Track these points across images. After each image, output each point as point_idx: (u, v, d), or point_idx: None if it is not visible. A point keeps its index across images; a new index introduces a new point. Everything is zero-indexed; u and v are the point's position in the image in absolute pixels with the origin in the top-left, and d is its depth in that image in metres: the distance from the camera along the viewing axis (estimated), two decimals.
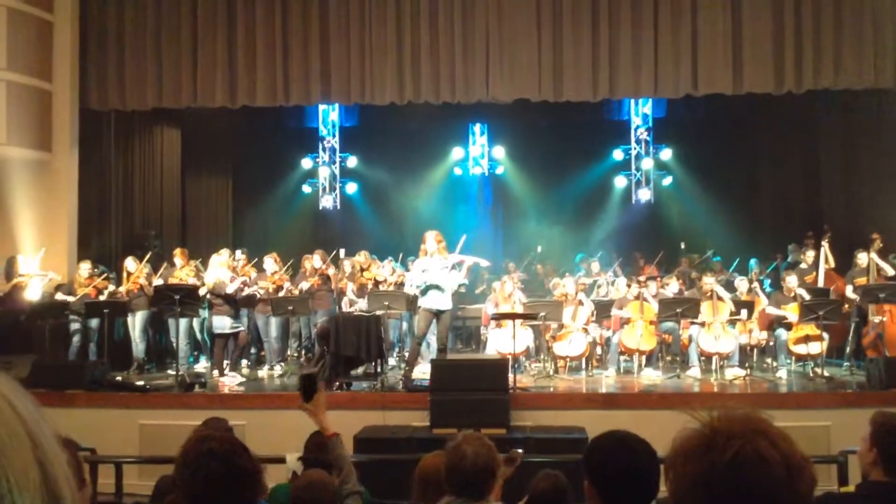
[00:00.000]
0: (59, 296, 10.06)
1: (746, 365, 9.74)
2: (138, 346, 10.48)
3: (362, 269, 10.98)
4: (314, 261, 11.01)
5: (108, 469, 6.15)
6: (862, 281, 9.88)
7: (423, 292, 8.94)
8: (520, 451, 3.72)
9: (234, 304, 10.06)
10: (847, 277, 10.24)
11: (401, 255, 12.43)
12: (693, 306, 9.60)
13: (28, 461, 0.77)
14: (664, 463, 1.26)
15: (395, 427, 7.81)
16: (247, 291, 10.25)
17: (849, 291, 10.03)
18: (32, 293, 10.03)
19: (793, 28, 10.39)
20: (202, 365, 10.85)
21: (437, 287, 8.84)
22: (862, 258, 10.03)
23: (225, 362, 9.97)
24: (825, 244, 10.49)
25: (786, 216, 14.18)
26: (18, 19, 10.39)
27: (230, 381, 9.53)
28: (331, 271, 11.00)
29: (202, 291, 9.95)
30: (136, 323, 10.41)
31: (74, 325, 10.10)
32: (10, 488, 0.74)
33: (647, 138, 16.02)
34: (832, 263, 10.57)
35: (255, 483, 2.33)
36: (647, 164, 15.94)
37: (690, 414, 1.23)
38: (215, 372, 9.97)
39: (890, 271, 9.85)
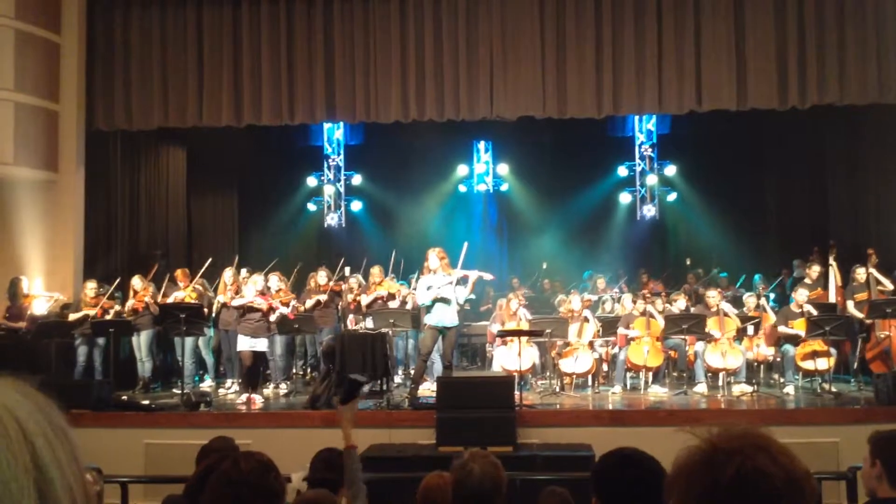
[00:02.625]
0: (73, 315, 10.09)
1: (753, 381, 9.70)
2: (145, 365, 10.47)
3: (376, 284, 10.97)
4: (319, 277, 11.03)
5: (114, 489, 6.13)
6: (862, 296, 9.84)
7: (429, 309, 8.94)
8: None
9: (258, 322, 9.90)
10: (846, 293, 10.19)
11: (401, 269, 12.44)
12: (699, 322, 9.58)
13: (25, 488, 0.80)
14: (666, 482, 1.26)
15: (401, 445, 7.78)
16: (277, 314, 10.12)
17: (850, 307, 9.97)
18: (37, 311, 10.05)
19: (796, 44, 10.42)
20: (207, 384, 10.84)
21: (444, 302, 8.83)
22: (861, 274, 9.99)
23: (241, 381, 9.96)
24: (832, 260, 10.46)
25: (792, 231, 14.16)
26: (26, 41, 10.48)
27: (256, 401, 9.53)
28: (343, 287, 11.01)
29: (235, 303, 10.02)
30: (141, 342, 10.40)
31: (80, 344, 10.11)
32: None
33: (652, 154, 16.04)
34: (839, 280, 10.54)
35: (282, 502, 2.38)
36: (652, 180, 15.96)
37: (690, 432, 1.23)
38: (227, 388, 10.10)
39: (889, 286, 9.81)
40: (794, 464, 1.17)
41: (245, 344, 9.73)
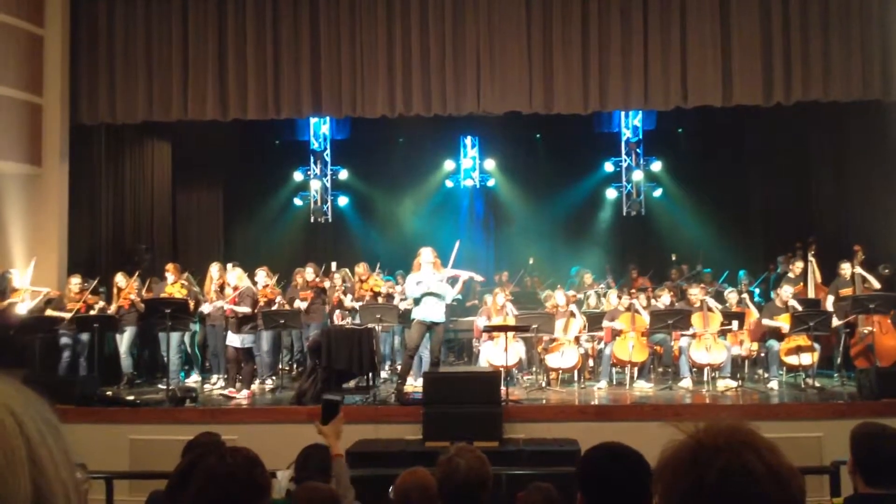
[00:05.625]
0: (50, 311, 10.02)
1: (738, 376, 9.76)
2: (125, 361, 10.42)
3: (361, 280, 10.96)
4: (307, 274, 10.99)
5: (99, 484, 6.10)
6: (847, 292, 9.92)
7: (417, 302, 8.96)
8: None
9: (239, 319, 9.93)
10: (831, 288, 10.27)
11: (390, 269, 12.43)
12: (684, 318, 9.62)
13: (21, 480, 0.81)
14: (653, 477, 1.26)
15: (388, 441, 7.78)
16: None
17: (829, 303, 10.04)
18: (22, 307, 9.98)
19: (781, 41, 10.47)
20: (193, 379, 10.80)
21: (433, 296, 8.85)
22: (846, 269, 10.06)
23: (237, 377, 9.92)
24: (811, 256, 10.54)
25: (776, 227, 14.25)
26: (9, 33, 10.38)
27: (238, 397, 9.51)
28: (326, 284, 10.98)
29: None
30: (123, 339, 10.35)
31: (64, 340, 10.04)
32: None
33: (638, 150, 16.07)
34: (818, 276, 10.62)
35: (268, 496, 2.37)
36: (638, 176, 15.99)
37: (676, 426, 1.23)
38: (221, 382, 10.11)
39: (876, 283, 9.88)
40: (780, 460, 1.16)
41: (233, 340, 9.81)
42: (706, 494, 1.14)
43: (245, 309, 9.75)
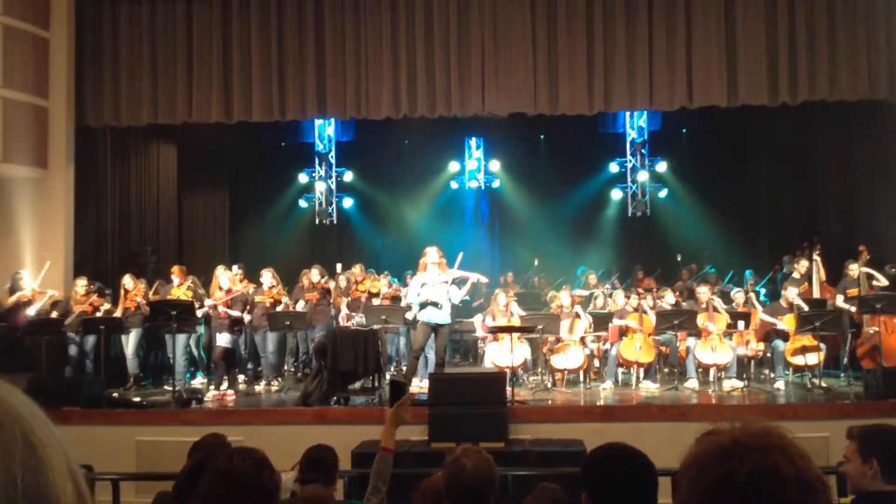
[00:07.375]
0: (55, 313, 10.05)
1: (744, 376, 9.73)
2: (131, 363, 10.44)
3: (357, 283, 10.98)
4: (312, 275, 11.00)
5: (106, 486, 6.12)
6: (854, 292, 9.90)
7: (422, 306, 8.97)
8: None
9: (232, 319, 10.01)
10: (839, 288, 10.25)
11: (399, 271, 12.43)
12: (690, 318, 9.60)
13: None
14: (678, 470, 1.25)
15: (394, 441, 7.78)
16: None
17: (839, 301, 10.03)
18: (30, 309, 10.00)
19: (787, 40, 10.45)
20: (199, 381, 10.82)
21: (436, 302, 8.88)
22: (853, 269, 10.04)
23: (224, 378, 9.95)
24: (817, 255, 10.52)
25: (781, 227, 14.22)
26: (15, 36, 10.42)
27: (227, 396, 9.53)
28: (332, 286, 10.99)
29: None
30: (129, 341, 10.36)
31: (71, 342, 10.07)
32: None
33: (643, 151, 16.05)
34: (823, 275, 10.59)
35: (276, 499, 2.37)
36: (643, 176, 15.97)
37: (712, 424, 1.23)
38: (211, 386, 10.05)
39: (884, 282, 9.86)
40: (810, 467, 1.16)
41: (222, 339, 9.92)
42: (732, 492, 1.13)
43: (236, 313, 9.87)
